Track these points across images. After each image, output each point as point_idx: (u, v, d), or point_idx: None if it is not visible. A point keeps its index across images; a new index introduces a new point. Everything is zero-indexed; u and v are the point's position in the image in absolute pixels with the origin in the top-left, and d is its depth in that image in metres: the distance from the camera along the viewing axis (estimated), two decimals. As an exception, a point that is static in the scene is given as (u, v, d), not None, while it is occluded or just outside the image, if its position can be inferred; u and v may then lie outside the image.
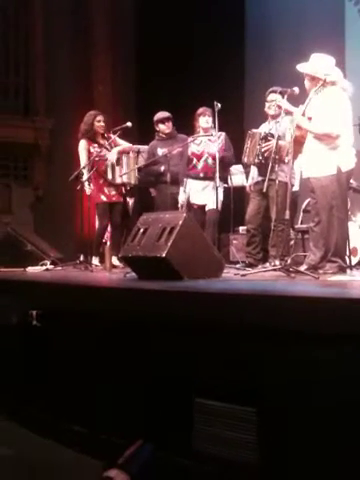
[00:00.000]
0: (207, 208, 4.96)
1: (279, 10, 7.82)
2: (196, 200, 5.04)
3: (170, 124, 5.39)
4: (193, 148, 5.06)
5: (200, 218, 4.87)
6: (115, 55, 8.64)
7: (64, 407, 2.81)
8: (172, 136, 5.37)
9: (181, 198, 5.02)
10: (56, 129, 8.08)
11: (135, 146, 5.75)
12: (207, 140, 5.00)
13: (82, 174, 5.02)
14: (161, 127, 5.39)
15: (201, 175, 5.01)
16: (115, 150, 5.26)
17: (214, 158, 4.83)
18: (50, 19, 8.18)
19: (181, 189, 5.04)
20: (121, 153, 5.27)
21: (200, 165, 5.03)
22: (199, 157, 5.04)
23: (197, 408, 2.29)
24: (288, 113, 4.06)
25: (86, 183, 5.02)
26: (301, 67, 3.88)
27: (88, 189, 5.07)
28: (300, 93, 3.99)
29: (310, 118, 3.85)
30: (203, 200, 5.00)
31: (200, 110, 5.07)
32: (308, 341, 2.06)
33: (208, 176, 4.93)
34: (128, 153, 5.37)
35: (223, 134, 5.04)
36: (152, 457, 1.10)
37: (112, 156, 5.22)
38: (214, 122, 4.89)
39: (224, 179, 5.17)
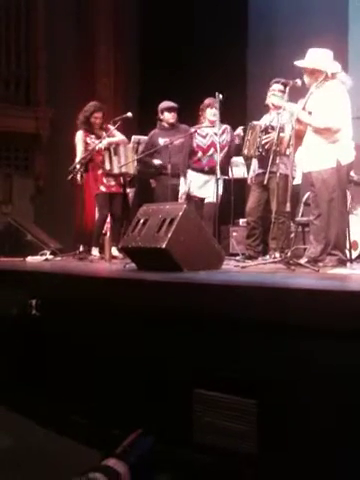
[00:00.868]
0: (206, 201, 4.95)
1: (281, 4, 7.78)
2: (198, 193, 5.02)
3: (175, 114, 5.37)
4: (199, 141, 5.01)
5: (200, 210, 4.87)
6: (118, 46, 8.61)
7: (63, 397, 2.82)
8: (175, 126, 5.35)
9: (182, 189, 5.00)
10: (57, 119, 8.05)
11: (135, 137, 5.74)
12: (213, 133, 4.96)
13: (80, 165, 5.01)
14: (166, 115, 5.36)
15: (206, 169, 4.98)
16: (106, 140, 5.22)
17: (220, 151, 4.78)
18: (52, 10, 8.14)
19: (182, 180, 5.02)
20: (112, 144, 5.23)
21: (205, 159, 5.00)
22: (205, 151, 5.00)
23: (197, 399, 2.29)
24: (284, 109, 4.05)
25: (79, 173, 4.99)
26: (300, 63, 3.86)
27: (80, 178, 5.03)
28: (301, 87, 3.97)
29: (310, 112, 3.85)
30: (204, 193, 4.98)
31: (208, 101, 5.02)
32: (308, 334, 2.05)
33: (213, 170, 4.86)
34: (127, 144, 5.36)
35: (228, 127, 5.00)
36: (151, 447, 1.10)
37: (101, 145, 5.18)
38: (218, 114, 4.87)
39: (225, 172, 5.15)
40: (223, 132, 4.94)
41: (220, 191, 4.92)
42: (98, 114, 5.30)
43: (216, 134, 4.90)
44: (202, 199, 5.02)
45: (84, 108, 5.36)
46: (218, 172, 4.71)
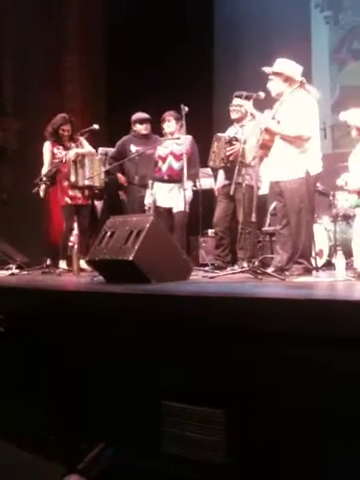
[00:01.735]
0: (174, 211, 4.96)
1: (247, 16, 7.93)
2: (162, 203, 5.02)
3: (148, 126, 5.40)
4: (159, 151, 5.06)
5: (167, 221, 4.87)
6: (85, 56, 8.57)
7: (30, 412, 2.77)
8: (147, 137, 5.37)
9: (147, 201, 5.01)
10: (24, 131, 7.95)
11: (102, 149, 5.72)
12: (174, 143, 5.01)
13: (46, 178, 4.95)
14: (138, 127, 5.39)
15: (165, 177, 5.00)
16: (74, 151, 5.20)
17: (179, 160, 4.83)
18: (19, 18, 8.06)
19: (148, 192, 5.03)
20: (79, 156, 5.21)
21: (165, 167, 5.03)
22: (164, 160, 5.04)
23: (165, 411, 2.28)
24: (253, 117, 4.10)
25: (42, 186, 4.92)
26: (277, 68, 3.90)
27: (42, 192, 4.97)
28: (265, 98, 4.03)
29: (278, 122, 3.89)
30: (169, 203, 4.99)
31: (163, 116, 5.10)
32: (274, 342, 2.07)
33: (173, 179, 4.93)
34: (95, 155, 5.34)
35: (190, 137, 5.05)
36: (112, 461, 1.10)
37: (69, 156, 5.16)
38: (181, 125, 4.90)
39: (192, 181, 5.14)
40: (184, 142, 4.97)
41: (188, 198, 4.92)
42: (66, 127, 5.27)
43: (177, 143, 4.95)
44: (168, 210, 5.02)
45: (52, 120, 5.32)
46: (184, 182, 4.70)
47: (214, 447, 2.16)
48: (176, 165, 4.91)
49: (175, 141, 4.98)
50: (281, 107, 3.91)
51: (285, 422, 2.04)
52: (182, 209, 4.84)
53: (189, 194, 4.97)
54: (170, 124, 5.02)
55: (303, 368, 2.02)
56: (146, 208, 4.98)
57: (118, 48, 8.06)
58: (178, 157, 4.87)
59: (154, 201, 4.99)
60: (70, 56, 8.50)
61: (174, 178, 4.91)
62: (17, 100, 8.10)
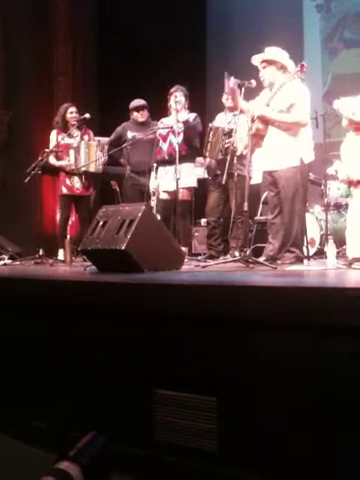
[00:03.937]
0: (178, 194, 4.74)
1: (239, 5, 7.90)
2: (165, 186, 4.89)
3: (145, 113, 5.34)
4: (160, 130, 4.94)
5: (171, 205, 4.82)
6: (76, 46, 8.52)
7: (21, 402, 2.78)
8: (145, 124, 5.31)
9: (152, 185, 4.93)
10: (14, 122, 7.90)
11: (95, 138, 5.70)
12: (175, 121, 4.84)
13: (40, 164, 4.90)
14: (135, 115, 5.36)
15: (166, 157, 4.87)
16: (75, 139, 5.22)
17: (179, 136, 4.72)
18: (8, 8, 7.97)
19: (152, 175, 4.96)
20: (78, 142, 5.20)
21: (165, 146, 4.92)
22: (165, 138, 4.95)
23: (157, 399, 2.30)
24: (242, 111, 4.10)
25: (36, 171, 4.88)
26: (274, 56, 3.89)
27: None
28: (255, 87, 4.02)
29: (273, 109, 3.88)
30: (171, 185, 4.80)
31: (172, 89, 5.00)
32: (265, 330, 2.08)
33: (173, 156, 4.70)
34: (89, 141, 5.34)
35: (193, 115, 4.92)
36: (104, 448, 1.11)
37: (70, 141, 5.19)
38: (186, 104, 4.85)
39: (188, 158, 4.97)
40: (186, 120, 4.86)
41: (190, 182, 4.82)
42: (72, 109, 5.34)
43: (178, 121, 4.81)
44: (171, 193, 4.88)
45: (58, 111, 5.38)
46: (178, 167, 4.55)
47: (207, 435, 2.17)
48: (174, 140, 4.71)
49: (175, 118, 4.80)
50: (276, 95, 3.89)
51: (278, 410, 2.06)
52: (182, 197, 4.74)
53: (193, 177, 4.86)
54: (178, 99, 4.85)
55: (294, 356, 2.03)
56: (151, 192, 4.90)
57: (110, 37, 8.00)
58: (179, 134, 4.75)
59: (158, 185, 4.89)
60: (62, 47, 8.44)
61: (174, 156, 4.65)
62: (8, 91, 8.04)
